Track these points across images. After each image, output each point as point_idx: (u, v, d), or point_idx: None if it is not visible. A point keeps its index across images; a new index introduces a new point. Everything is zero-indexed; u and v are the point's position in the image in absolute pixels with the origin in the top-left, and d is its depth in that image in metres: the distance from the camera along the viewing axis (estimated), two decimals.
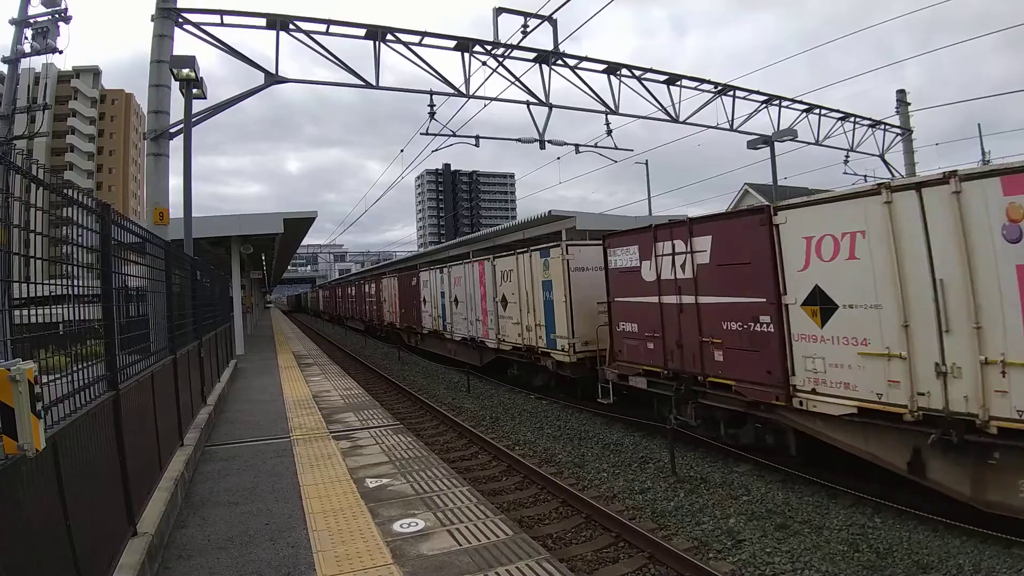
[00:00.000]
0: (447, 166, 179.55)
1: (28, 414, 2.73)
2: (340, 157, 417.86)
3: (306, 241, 53.03)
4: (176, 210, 13.47)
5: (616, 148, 19.18)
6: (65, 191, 3.79)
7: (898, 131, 26.00)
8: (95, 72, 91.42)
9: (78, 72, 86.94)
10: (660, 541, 7.07)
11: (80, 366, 3.94)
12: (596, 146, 18.96)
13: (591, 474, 10.09)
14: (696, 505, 8.43)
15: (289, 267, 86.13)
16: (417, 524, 5.51)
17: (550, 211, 26.94)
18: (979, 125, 39.90)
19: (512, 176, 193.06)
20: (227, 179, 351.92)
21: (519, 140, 17.66)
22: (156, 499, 5.42)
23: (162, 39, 12.34)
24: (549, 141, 17.52)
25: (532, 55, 16.55)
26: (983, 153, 38.67)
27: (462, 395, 17.88)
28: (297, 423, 10.13)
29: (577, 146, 19.01)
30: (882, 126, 25.63)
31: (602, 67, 17.83)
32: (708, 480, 9.47)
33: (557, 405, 15.64)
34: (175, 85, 12.40)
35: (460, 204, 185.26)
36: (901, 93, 26.39)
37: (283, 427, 9.85)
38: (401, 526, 5.46)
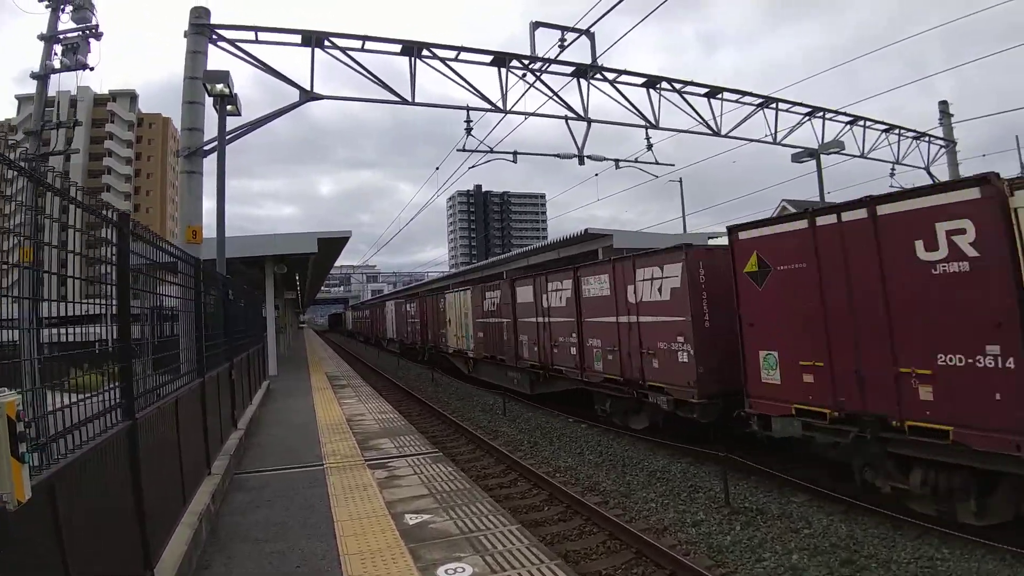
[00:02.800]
0: (478, 187, 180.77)
1: (7, 458, 2.24)
2: (372, 179, 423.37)
3: (339, 262, 53.28)
4: (209, 231, 13.24)
5: (657, 163, 18.65)
6: (78, 196, 3.36)
7: (942, 143, 25.13)
8: (132, 96, 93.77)
9: (115, 96, 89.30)
10: None
11: (89, 393, 3.49)
12: (636, 161, 18.44)
13: (638, 504, 9.50)
14: (755, 539, 7.83)
15: (322, 288, 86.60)
16: (464, 570, 4.94)
17: (587, 229, 26.47)
18: (1017, 137, 38.86)
19: (543, 196, 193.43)
20: (260, 201, 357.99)
21: (558, 156, 17.23)
22: (177, 537, 4.94)
23: (195, 56, 12.19)
24: (588, 156, 17.06)
25: (570, 69, 16.17)
26: (1022, 165, 37.52)
27: (498, 418, 17.39)
28: (331, 449, 9.67)
29: (617, 161, 18.49)
30: (926, 138, 24.81)
31: (641, 80, 17.37)
32: (765, 512, 8.84)
33: (597, 429, 15.06)
34: (209, 102, 12.21)
35: (492, 225, 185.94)
36: (944, 105, 25.59)
37: (316, 453, 9.40)
38: (446, 572, 4.91)
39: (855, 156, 22.90)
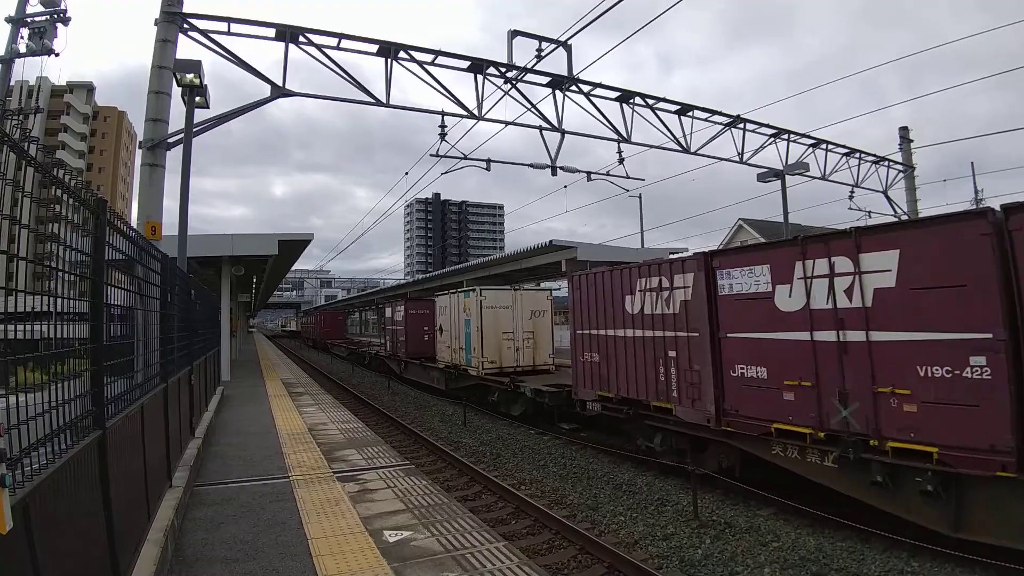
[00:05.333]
0: (437, 195, 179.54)
1: None
2: (327, 183, 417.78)
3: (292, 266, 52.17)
4: (167, 228, 12.63)
5: (628, 177, 18.63)
6: (57, 173, 3.00)
7: (901, 167, 25.79)
8: (89, 88, 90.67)
9: (72, 87, 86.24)
10: None
11: (57, 400, 3.11)
12: (608, 174, 18.40)
13: (607, 518, 9.46)
14: (726, 553, 7.86)
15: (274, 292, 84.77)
16: None
17: (551, 241, 26.37)
18: (972, 164, 40.24)
19: (502, 207, 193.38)
20: (211, 200, 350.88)
21: (531, 166, 17.06)
22: (145, 556, 4.54)
23: (165, 44, 11.63)
24: (561, 168, 16.94)
25: (546, 79, 16.04)
26: (976, 191, 38.89)
27: (458, 429, 17.26)
28: (295, 460, 9.22)
29: (589, 173, 18.42)
30: (885, 162, 25.40)
31: (615, 95, 17.35)
32: (733, 525, 8.90)
33: (560, 441, 15.11)
34: (176, 94, 11.70)
35: (449, 234, 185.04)
36: (904, 130, 26.26)
37: (280, 465, 8.93)
38: None
39: (816, 178, 23.33)
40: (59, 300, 3.23)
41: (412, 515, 6.61)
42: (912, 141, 25.92)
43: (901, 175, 25.78)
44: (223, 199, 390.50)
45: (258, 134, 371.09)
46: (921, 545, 7.58)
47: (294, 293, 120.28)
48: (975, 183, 38.12)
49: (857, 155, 24.31)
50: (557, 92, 16.20)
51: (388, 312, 33.32)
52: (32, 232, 2.77)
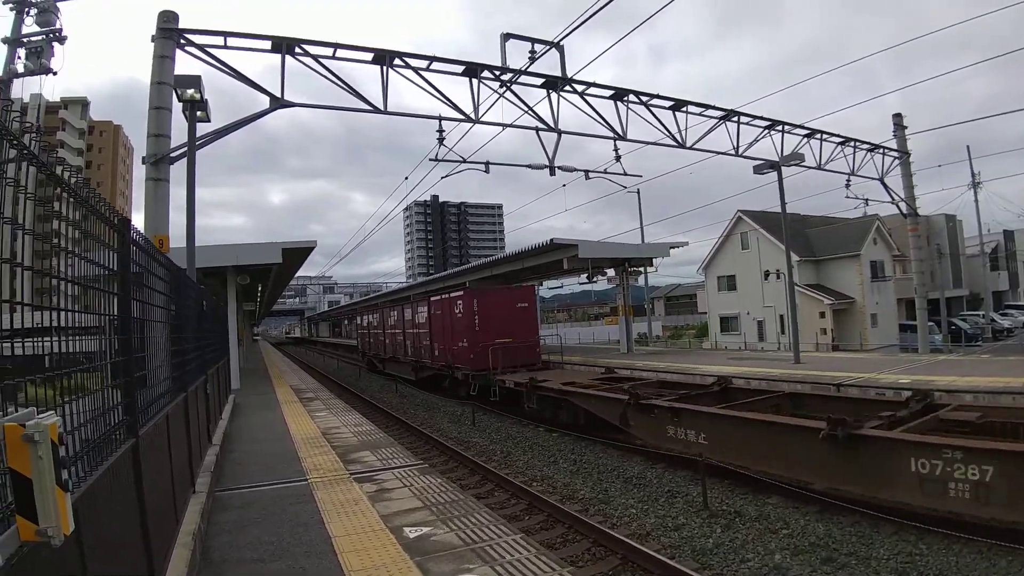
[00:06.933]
0: (435, 197, 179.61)
1: (52, 486, 2.03)
2: (324, 189, 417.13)
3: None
4: (172, 240, 12.83)
5: (625, 174, 18.80)
6: (85, 193, 3.17)
7: (896, 154, 25.91)
8: (83, 103, 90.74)
9: (66, 103, 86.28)
10: None
11: (94, 409, 3.28)
12: (605, 172, 18.57)
13: (618, 511, 9.62)
14: (736, 541, 8.02)
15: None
16: None
17: (552, 240, 26.54)
18: (968, 147, 40.38)
19: (500, 207, 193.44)
20: (209, 211, 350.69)
21: (529, 166, 17.24)
22: (176, 559, 4.71)
23: (163, 60, 11.81)
24: (559, 167, 17.11)
25: (541, 80, 16.21)
26: (972, 175, 39.02)
27: (467, 428, 17.50)
28: (312, 464, 9.40)
29: (587, 172, 18.60)
30: (881, 150, 25.53)
31: (610, 93, 17.51)
32: (743, 514, 9.08)
33: (570, 437, 15.25)
34: (176, 108, 11.87)
35: (449, 236, 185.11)
36: (898, 117, 26.37)
37: (297, 468, 9.11)
38: None
39: (812, 168, 23.47)
40: (93, 315, 3.41)
41: (430, 512, 6.78)
42: (906, 128, 26.04)
43: (897, 162, 25.90)
44: (221, 209, 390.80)
45: (253, 143, 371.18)
46: (929, 528, 7.77)
47: (297, 300, 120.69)
48: (971, 167, 38.30)
49: (852, 144, 24.46)
50: (552, 93, 16.38)
51: None
52: (69, 254, 2.94)
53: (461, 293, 23.47)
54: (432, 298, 26.56)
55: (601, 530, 8.46)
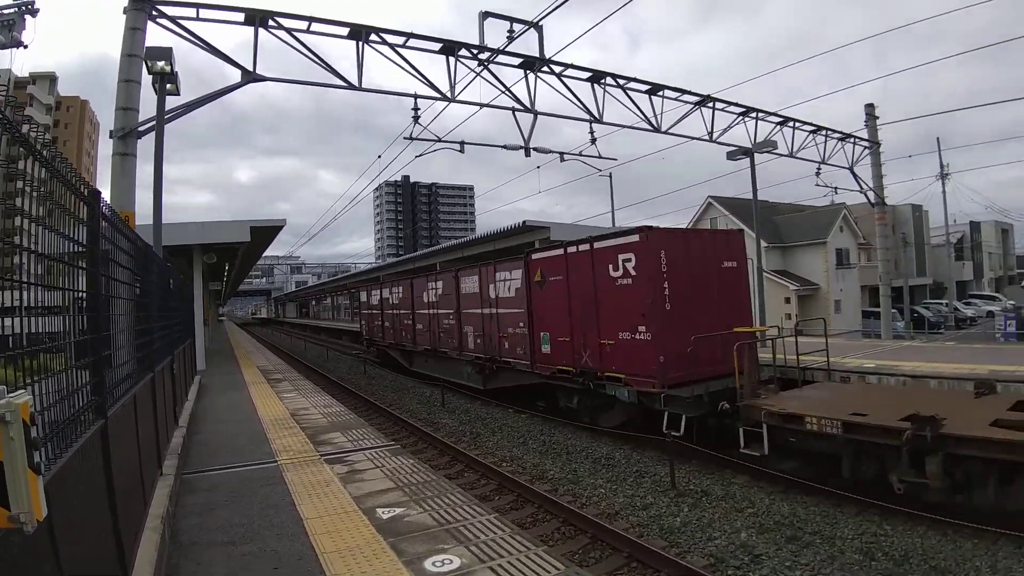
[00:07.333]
0: (407, 178, 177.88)
1: (24, 470, 1.93)
2: (293, 167, 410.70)
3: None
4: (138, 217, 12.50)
5: (600, 157, 18.77)
6: (56, 163, 3.04)
7: (866, 144, 26.26)
8: (52, 78, 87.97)
9: (34, 78, 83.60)
10: (676, 559, 6.79)
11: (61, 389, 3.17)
12: (580, 154, 18.52)
13: (587, 491, 9.74)
14: (703, 520, 8.20)
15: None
16: (452, 562, 4.82)
17: (524, 222, 26.47)
18: (938, 139, 41.29)
19: (471, 189, 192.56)
20: (174, 188, 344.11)
21: (505, 147, 17.12)
22: (146, 542, 4.61)
23: (134, 32, 11.48)
24: (535, 149, 17.02)
25: (518, 60, 16.06)
26: (941, 166, 39.82)
27: (437, 409, 17.46)
28: (281, 445, 9.28)
29: (562, 154, 18.55)
30: (851, 139, 25.83)
31: (587, 75, 17.42)
32: (709, 493, 9.28)
33: (538, 418, 15.41)
34: (146, 81, 11.54)
35: (419, 216, 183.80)
36: (870, 107, 26.68)
37: (266, 450, 8.99)
38: (434, 564, 4.77)
39: (784, 155, 23.68)
40: (63, 292, 3.29)
41: (402, 493, 6.75)
42: (878, 118, 26.38)
43: (867, 151, 26.25)
44: (186, 185, 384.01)
45: (221, 118, 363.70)
46: (892, 508, 8.00)
47: (264, 280, 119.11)
48: (940, 158, 39.06)
49: (824, 132, 24.68)
50: (529, 73, 16.23)
51: None
52: (41, 226, 2.81)
53: (626, 241, 12.56)
54: (536, 255, 15.58)
55: (571, 510, 8.56)
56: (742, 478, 9.87)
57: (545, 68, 16.34)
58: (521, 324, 16.04)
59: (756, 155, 21.87)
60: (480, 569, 4.69)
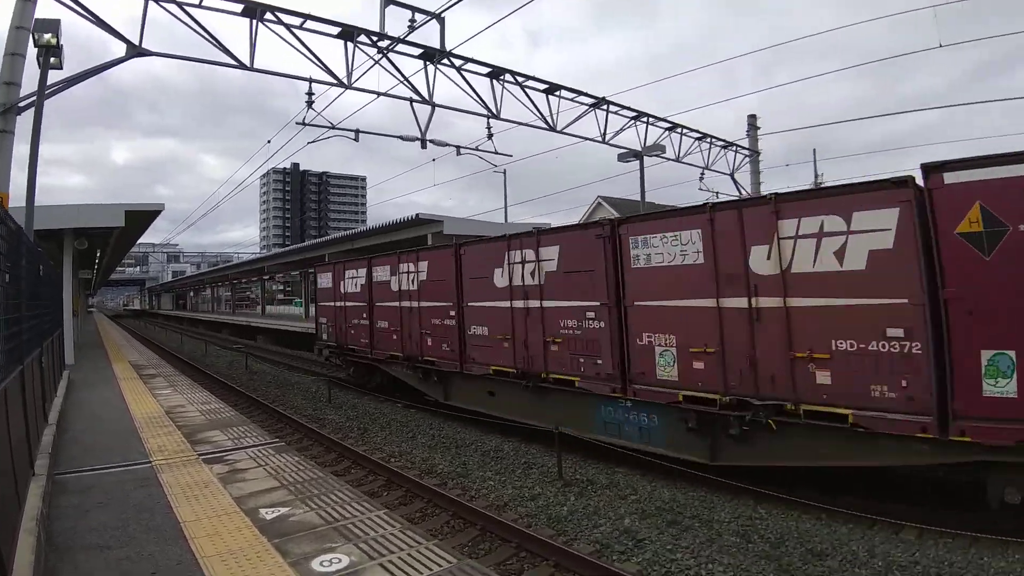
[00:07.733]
0: (296, 165, 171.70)
1: None
2: (175, 149, 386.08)
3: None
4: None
5: (496, 152, 18.91)
6: None
7: (747, 152, 27.83)
8: None
9: None
10: (563, 547, 6.98)
11: None
12: (477, 149, 18.60)
13: (476, 483, 9.87)
14: (589, 508, 8.47)
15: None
16: (340, 560, 4.79)
17: (418, 214, 26.31)
18: (814, 150, 44.19)
19: (364, 180, 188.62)
20: (46, 168, 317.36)
21: (401, 138, 16.96)
22: (22, 545, 4.31)
23: (26, 3, 10.71)
24: (431, 141, 16.95)
25: (419, 51, 15.90)
26: (816, 175, 42.75)
27: (323, 405, 17.08)
28: (155, 445, 8.81)
29: (459, 147, 18.57)
30: (734, 147, 27.29)
31: (487, 71, 17.47)
32: (594, 482, 9.59)
33: (428, 412, 15.30)
34: (31, 55, 10.76)
35: (308, 206, 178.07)
36: (752, 118, 28.25)
37: (139, 450, 8.51)
38: (322, 564, 4.72)
39: (671, 160, 24.71)
40: None
41: (287, 491, 6.62)
42: (759, 128, 27.99)
43: (747, 159, 27.82)
44: (59, 166, 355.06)
45: (99, 94, 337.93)
46: (765, 492, 8.47)
47: (138, 269, 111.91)
48: (815, 168, 41.96)
49: (708, 139, 25.91)
50: (429, 65, 16.07)
51: None
52: None
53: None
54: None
55: (460, 503, 8.64)
56: (624, 467, 10.21)
57: (445, 61, 16.25)
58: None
59: (645, 158, 22.74)
60: (370, 566, 4.69)
